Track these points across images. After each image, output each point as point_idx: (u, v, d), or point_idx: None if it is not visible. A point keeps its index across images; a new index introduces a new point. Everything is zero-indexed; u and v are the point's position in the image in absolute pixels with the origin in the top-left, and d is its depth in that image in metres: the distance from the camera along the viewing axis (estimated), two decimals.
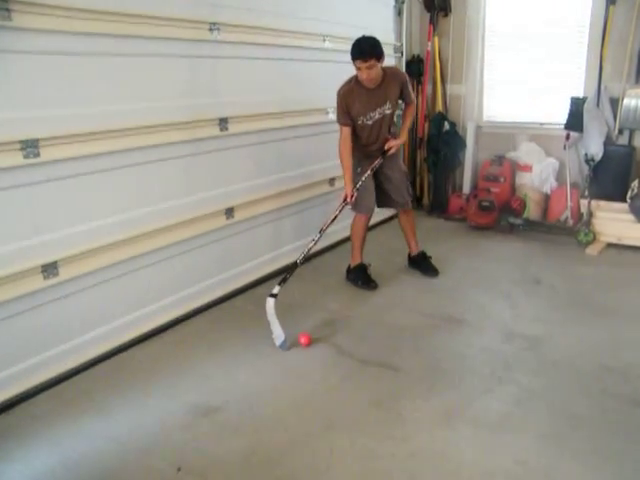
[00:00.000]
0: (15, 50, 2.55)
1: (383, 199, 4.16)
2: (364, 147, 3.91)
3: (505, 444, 2.37)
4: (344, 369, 3.01)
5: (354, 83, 3.69)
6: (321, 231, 3.66)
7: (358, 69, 3.54)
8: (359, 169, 3.88)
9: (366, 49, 3.46)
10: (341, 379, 2.91)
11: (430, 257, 4.36)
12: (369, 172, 3.83)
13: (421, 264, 4.33)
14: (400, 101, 3.89)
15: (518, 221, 5.24)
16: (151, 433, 2.49)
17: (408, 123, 3.99)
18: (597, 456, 2.29)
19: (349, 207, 3.83)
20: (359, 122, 3.76)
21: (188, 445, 2.40)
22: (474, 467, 2.24)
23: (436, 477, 2.20)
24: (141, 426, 2.54)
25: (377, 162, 3.86)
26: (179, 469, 2.25)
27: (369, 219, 4.12)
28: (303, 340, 3.22)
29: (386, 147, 3.84)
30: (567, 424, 2.50)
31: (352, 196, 3.73)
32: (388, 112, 3.78)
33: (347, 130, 3.76)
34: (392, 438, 2.43)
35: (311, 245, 3.62)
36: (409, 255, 4.42)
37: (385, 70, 3.68)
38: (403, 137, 3.95)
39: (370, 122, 3.77)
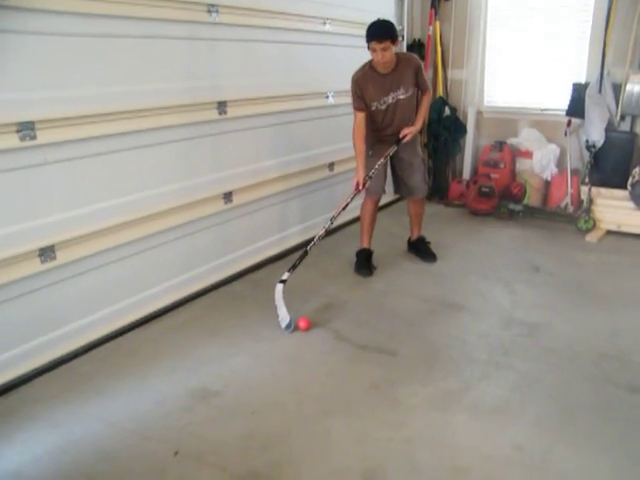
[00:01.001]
0: (11, 30, 2.51)
1: (399, 185, 4.17)
2: (378, 131, 3.90)
3: (502, 430, 2.38)
4: (342, 354, 3.01)
5: (368, 68, 3.70)
6: (332, 218, 3.67)
7: (373, 51, 3.54)
8: (371, 152, 3.88)
9: (381, 30, 3.48)
10: (339, 364, 2.92)
11: (429, 242, 4.36)
12: (382, 160, 3.82)
13: (420, 249, 4.33)
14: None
15: (518, 207, 5.23)
16: (149, 417, 2.50)
17: (424, 111, 3.96)
18: (594, 442, 2.30)
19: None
20: (373, 107, 3.76)
21: (185, 429, 2.41)
22: (471, 452, 2.25)
23: (433, 462, 2.21)
24: (139, 410, 2.55)
25: (391, 150, 3.85)
26: (176, 453, 2.26)
27: (377, 202, 4.11)
28: (302, 324, 3.22)
29: (401, 135, 3.83)
30: (565, 410, 2.50)
31: (364, 184, 3.72)
32: (402, 97, 3.76)
33: (361, 115, 3.75)
34: (389, 423, 2.43)
35: (321, 232, 3.62)
36: (409, 240, 4.42)
37: (399, 56, 3.70)
38: (418, 125, 3.91)
39: (384, 107, 3.76)
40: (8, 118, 2.53)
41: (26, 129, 2.59)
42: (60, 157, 2.78)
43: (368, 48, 3.54)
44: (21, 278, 2.69)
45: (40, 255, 2.74)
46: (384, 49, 3.49)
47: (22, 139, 2.59)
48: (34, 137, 2.63)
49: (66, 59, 2.76)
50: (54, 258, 2.80)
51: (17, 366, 2.75)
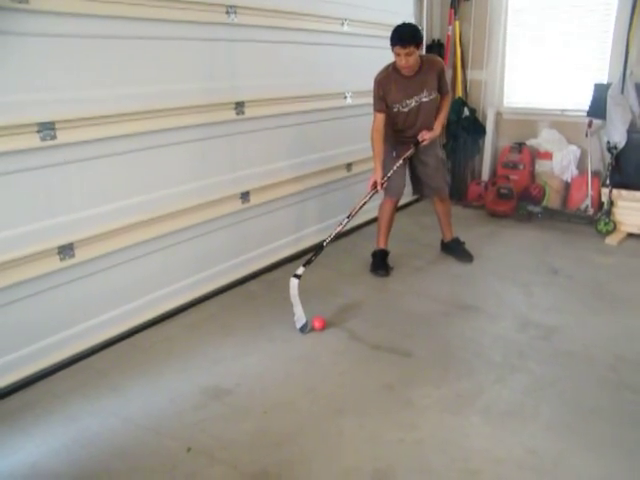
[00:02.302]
0: (33, 33, 2.57)
1: (419, 186, 4.18)
2: (399, 133, 3.90)
3: (515, 433, 2.36)
4: (356, 354, 3.01)
5: (391, 70, 3.69)
6: (349, 216, 3.67)
7: (397, 55, 3.53)
8: (394, 153, 3.89)
9: (406, 35, 3.46)
10: (352, 364, 2.92)
11: (464, 243, 4.34)
12: (400, 162, 3.82)
13: (456, 250, 4.33)
14: None
15: (537, 209, 5.18)
16: (163, 413, 2.53)
17: (443, 115, 3.93)
18: (609, 447, 2.27)
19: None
20: (394, 109, 3.76)
21: (199, 426, 2.43)
22: (483, 455, 2.24)
23: (445, 464, 2.20)
24: (153, 406, 2.58)
25: (409, 152, 3.85)
26: (189, 449, 2.28)
27: (397, 203, 4.11)
28: (317, 324, 3.23)
29: (419, 138, 3.82)
30: (579, 414, 2.48)
31: (382, 184, 3.72)
32: (425, 100, 3.75)
33: (381, 117, 3.75)
34: (401, 424, 2.43)
35: (338, 229, 3.62)
36: (442, 241, 4.42)
37: (422, 58, 3.68)
38: (437, 129, 3.90)
39: (406, 109, 3.76)
40: (29, 118, 2.58)
41: (46, 129, 2.65)
42: (79, 157, 2.83)
43: (392, 51, 3.54)
44: (41, 275, 2.75)
45: (59, 253, 2.79)
46: (408, 54, 3.48)
47: (43, 139, 2.64)
48: (54, 137, 2.68)
49: (86, 60, 2.80)
50: (73, 256, 2.85)
51: (36, 361, 2.80)
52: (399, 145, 3.91)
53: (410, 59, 3.51)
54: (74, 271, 2.90)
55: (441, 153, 4.19)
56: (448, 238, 4.36)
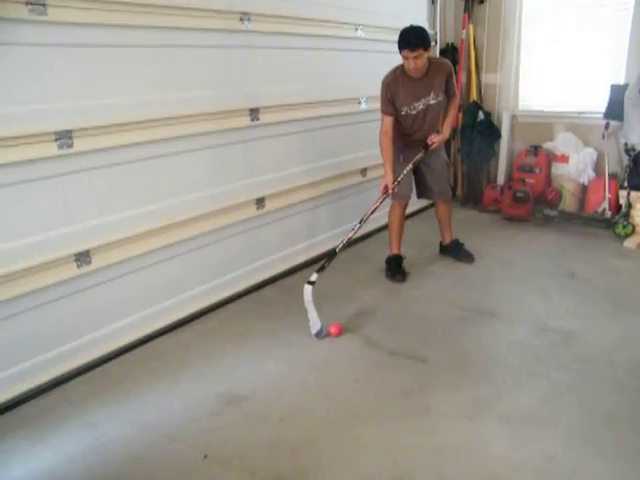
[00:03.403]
0: (51, 43, 2.60)
1: (422, 189, 4.16)
2: (406, 136, 3.90)
3: (533, 439, 2.33)
4: (372, 360, 3.00)
5: (399, 72, 3.69)
6: (361, 221, 3.65)
7: (405, 58, 3.52)
8: (401, 157, 3.88)
9: (414, 39, 3.45)
10: (369, 370, 2.91)
11: (463, 244, 4.33)
12: (410, 166, 3.81)
13: (455, 251, 4.33)
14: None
15: (553, 213, 5.13)
16: (179, 420, 2.53)
17: (450, 118, 3.92)
18: (629, 455, 2.24)
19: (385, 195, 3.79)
20: (402, 112, 3.75)
21: (215, 433, 2.43)
22: (501, 462, 2.21)
23: (462, 471, 2.18)
24: (169, 413, 2.58)
25: (419, 156, 3.84)
26: (205, 456, 2.28)
27: (405, 207, 4.10)
28: (333, 330, 3.22)
29: (429, 141, 3.81)
30: (598, 421, 2.44)
31: (393, 189, 3.71)
32: (433, 102, 3.74)
33: (389, 119, 3.75)
34: (418, 430, 2.41)
35: (351, 234, 3.61)
36: (441, 244, 4.40)
37: (431, 60, 3.67)
38: (446, 132, 3.89)
39: (414, 112, 3.75)
40: (47, 127, 2.62)
41: (64, 137, 2.68)
42: (95, 164, 2.86)
43: (400, 54, 3.53)
44: (58, 282, 2.77)
45: (76, 260, 2.82)
46: (416, 57, 3.47)
47: (60, 147, 2.67)
48: (71, 145, 2.71)
49: (101, 69, 2.83)
50: (89, 263, 2.87)
51: (52, 368, 2.83)
52: (406, 148, 3.90)
53: (418, 62, 3.50)
54: (90, 278, 2.92)
55: (445, 156, 4.18)
56: (447, 240, 4.36)
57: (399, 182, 3.74)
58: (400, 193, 3.89)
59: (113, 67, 2.88)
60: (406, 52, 3.47)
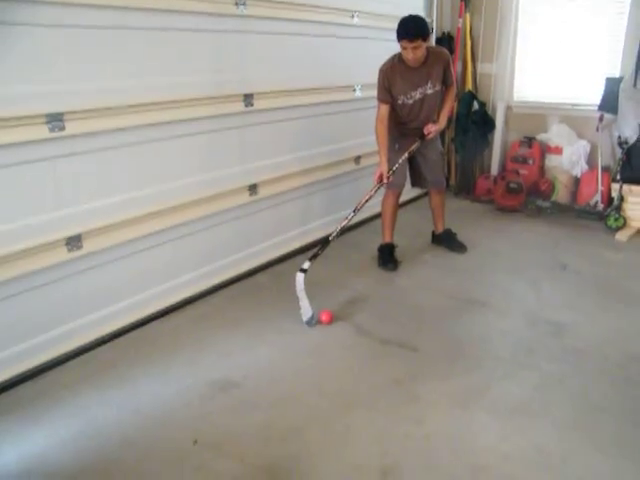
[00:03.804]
0: (43, 24, 2.55)
1: (417, 178, 4.16)
2: (402, 125, 3.88)
3: (523, 429, 2.35)
4: (364, 348, 3.01)
5: (397, 61, 3.66)
6: (355, 210, 3.64)
7: (404, 48, 3.50)
8: (397, 146, 3.86)
9: (413, 29, 3.42)
10: (360, 358, 2.92)
11: (455, 234, 4.34)
12: (406, 155, 3.79)
13: (448, 241, 4.34)
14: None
15: (546, 204, 5.15)
16: (170, 405, 2.53)
17: (448, 107, 3.91)
18: (618, 446, 2.26)
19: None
20: (399, 101, 3.73)
21: (205, 418, 2.44)
22: (490, 451, 2.23)
23: (451, 459, 2.19)
24: (161, 398, 2.58)
25: (415, 146, 3.82)
26: (195, 441, 2.28)
27: (399, 196, 4.09)
28: (324, 317, 3.22)
29: (425, 131, 3.79)
30: (588, 412, 2.46)
31: (388, 178, 3.70)
32: (430, 92, 3.73)
33: (385, 107, 3.73)
34: (408, 419, 2.42)
35: (344, 223, 3.60)
36: (433, 233, 4.41)
37: (429, 50, 3.64)
38: (442, 122, 3.88)
39: (410, 101, 3.74)
40: (38, 109, 2.58)
41: (55, 120, 2.64)
42: (87, 148, 2.82)
43: (399, 43, 3.50)
44: (48, 266, 2.75)
45: (67, 244, 2.79)
46: (415, 47, 3.44)
47: (51, 130, 2.64)
48: (63, 128, 2.67)
49: (94, 51, 2.79)
50: (80, 247, 2.85)
51: (44, 352, 2.81)
52: (401, 137, 3.88)
53: (417, 52, 3.48)
54: (82, 262, 2.90)
55: (440, 146, 4.17)
56: (440, 230, 4.37)
57: (394, 171, 3.73)
58: (394, 182, 3.87)
59: (106, 50, 2.83)
60: (405, 42, 3.44)
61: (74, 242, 2.81)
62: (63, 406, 2.53)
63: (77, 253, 2.84)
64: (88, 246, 2.88)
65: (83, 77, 2.76)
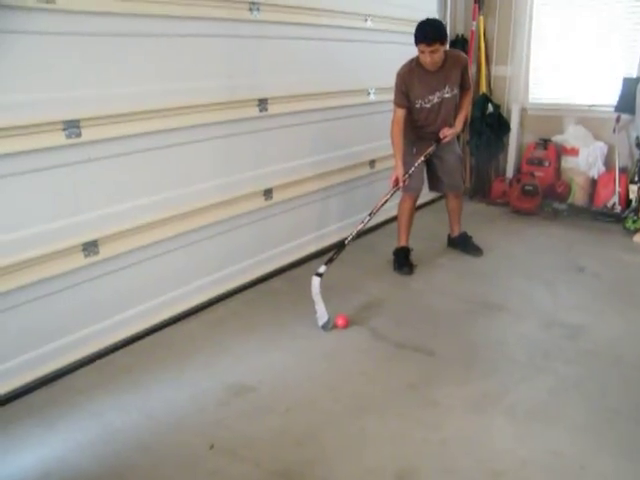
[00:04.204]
0: (57, 32, 2.58)
1: (435, 182, 4.15)
2: (419, 129, 3.87)
3: (540, 434, 2.33)
4: (379, 353, 2.99)
5: (415, 64, 3.65)
6: (371, 214, 3.63)
7: (421, 52, 3.49)
8: (414, 149, 3.85)
9: (431, 33, 3.42)
10: (376, 362, 2.90)
11: (471, 237, 4.31)
12: (422, 159, 3.78)
13: (464, 244, 4.31)
14: None
15: (562, 206, 5.11)
16: (185, 410, 2.54)
17: (464, 111, 3.90)
18: (635, 449, 2.23)
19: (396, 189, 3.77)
20: (417, 105, 3.72)
21: (220, 423, 2.44)
22: (507, 455, 2.21)
23: (469, 464, 2.17)
24: (176, 403, 2.59)
25: (430, 150, 3.81)
26: (212, 446, 2.29)
27: (416, 200, 4.08)
28: (340, 322, 3.22)
29: (441, 135, 3.78)
30: (605, 416, 2.43)
31: (404, 181, 3.69)
32: (447, 96, 3.71)
33: (401, 112, 3.72)
34: (425, 423, 2.41)
35: (360, 227, 3.60)
36: (449, 236, 4.39)
37: (447, 53, 3.64)
38: (459, 126, 3.87)
39: (428, 105, 3.72)
40: (55, 116, 2.60)
41: (72, 127, 2.66)
42: (103, 154, 2.84)
43: (417, 47, 3.49)
44: (65, 272, 2.77)
45: (84, 250, 2.82)
46: (433, 51, 3.44)
47: (68, 137, 2.66)
48: (79, 135, 2.69)
49: (110, 58, 2.81)
50: (97, 253, 2.87)
51: (62, 357, 2.83)
52: (418, 141, 3.87)
53: (435, 56, 3.47)
54: (98, 268, 2.91)
55: (459, 150, 4.15)
56: (456, 233, 4.34)
57: (410, 175, 3.72)
58: (411, 186, 3.86)
59: (120, 57, 2.85)
60: (423, 46, 3.44)
61: (91, 248, 2.83)
62: (78, 411, 2.54)
63: (93, 259, 2.86)
64: (104, 252, 2.90)
65: (99, 84, 2.78)
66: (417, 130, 3.87)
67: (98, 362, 2.94)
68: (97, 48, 2.75)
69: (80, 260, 2.81)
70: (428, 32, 3.41)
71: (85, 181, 2.80)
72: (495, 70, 5.81)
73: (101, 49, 2.77)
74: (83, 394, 2.66)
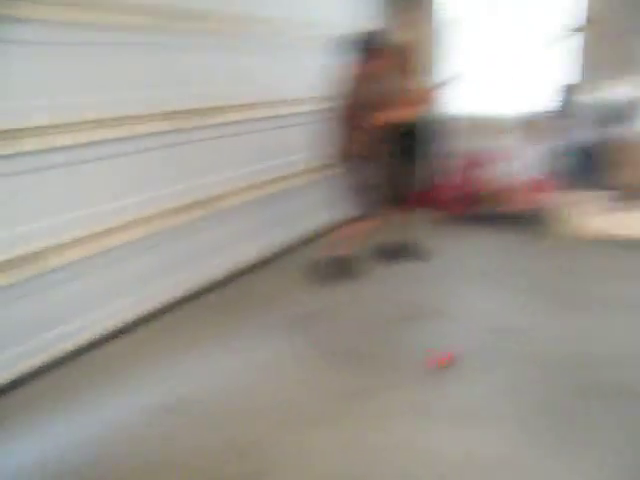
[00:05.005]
0: None
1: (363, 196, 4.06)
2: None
3: (480, 435, 2.32)
4: (318, 362, 2.94)
5: (354, 70, 3.72)
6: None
7: (357, 63, 3.64)
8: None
9: (364, 45, 3.64)
10: (316, 372, 2.85)
11: (408, 245, 4.33)
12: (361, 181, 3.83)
13: (399, 252, 4.31)
14: None
15: (497, 212, 5.18)
16: (130, 425, 2.44)
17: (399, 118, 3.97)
18: (579, 449, 2.24)
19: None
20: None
21: (166, 438, 2.34)
22: (451, 458, 2.20)
23: (407, 469, 2.15)
24: (119, 418, 2.48)
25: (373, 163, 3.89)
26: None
27: (374, 222, 4.01)
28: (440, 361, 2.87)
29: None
30: (542, 416, 2.45)
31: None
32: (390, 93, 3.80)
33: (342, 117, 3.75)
34: (369, 430, 2.38)
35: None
36: (381, 247, 4.38)
37: (377, 64, 3.76)
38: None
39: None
40: None
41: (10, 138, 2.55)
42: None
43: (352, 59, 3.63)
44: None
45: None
46: (364, 62, 3.60)
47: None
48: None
49: (47, 68, 2.73)
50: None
51: None
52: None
53: (366, 67, 3.61)
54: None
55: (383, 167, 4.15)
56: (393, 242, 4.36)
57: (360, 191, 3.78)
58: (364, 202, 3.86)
59: (58, 65, 2.78)
60: (357, 57, 3.59)
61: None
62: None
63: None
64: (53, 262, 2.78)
65: (37, 93, 2.70)
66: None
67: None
68: (32, 57, 2.66)
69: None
70: (359, 44, 3.61)
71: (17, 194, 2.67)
72: (421, 81, 5.88)
73: (37, 58, 2.69)
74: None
